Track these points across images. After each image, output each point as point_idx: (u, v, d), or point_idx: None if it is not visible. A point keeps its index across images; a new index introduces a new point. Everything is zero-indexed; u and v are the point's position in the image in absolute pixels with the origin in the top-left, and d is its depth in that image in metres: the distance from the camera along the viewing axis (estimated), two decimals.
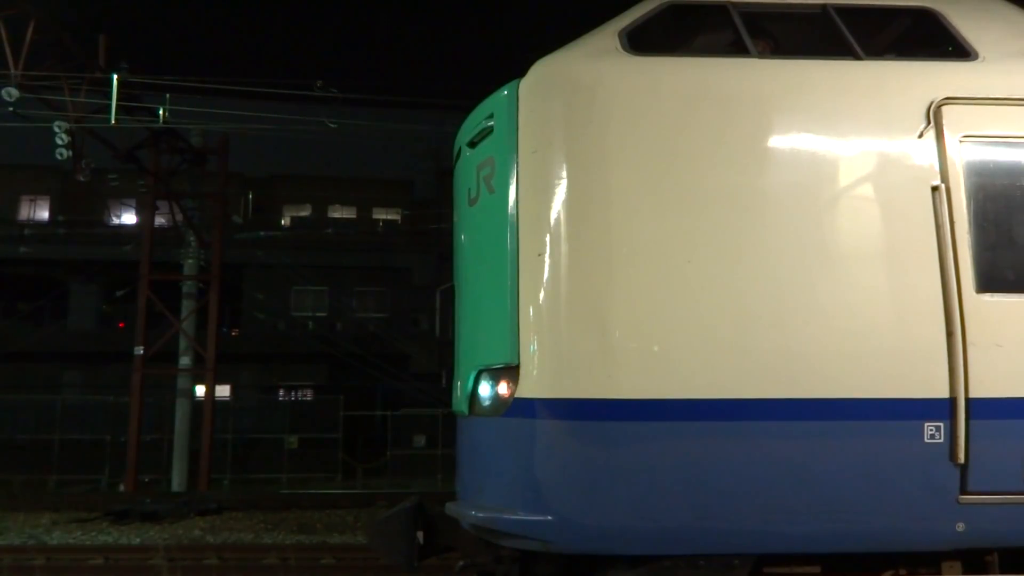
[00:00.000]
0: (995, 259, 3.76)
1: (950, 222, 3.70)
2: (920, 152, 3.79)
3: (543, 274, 3.77)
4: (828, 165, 3.80)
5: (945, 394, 3.59)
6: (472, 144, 4.32)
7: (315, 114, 15.35)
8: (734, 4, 4.22)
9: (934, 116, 3.80)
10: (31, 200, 30.67)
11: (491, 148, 4.13)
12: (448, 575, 4.71)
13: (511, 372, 3.80)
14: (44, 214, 30.71)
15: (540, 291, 3.77)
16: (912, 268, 3.69)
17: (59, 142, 13.63)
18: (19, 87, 12.63)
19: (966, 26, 4.15)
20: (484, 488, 4.07)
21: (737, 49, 4.13)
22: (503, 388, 3.85)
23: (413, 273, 28.99)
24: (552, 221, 3.79)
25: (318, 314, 28.71)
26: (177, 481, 17.38)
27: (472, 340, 4.31)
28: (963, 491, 3.56)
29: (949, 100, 3.82)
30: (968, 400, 3.56)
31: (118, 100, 14.00)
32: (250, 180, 29.37)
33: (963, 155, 3.78)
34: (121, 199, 27.79)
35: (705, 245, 3.71)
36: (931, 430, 3.58)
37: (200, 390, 18.88)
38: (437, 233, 24.88)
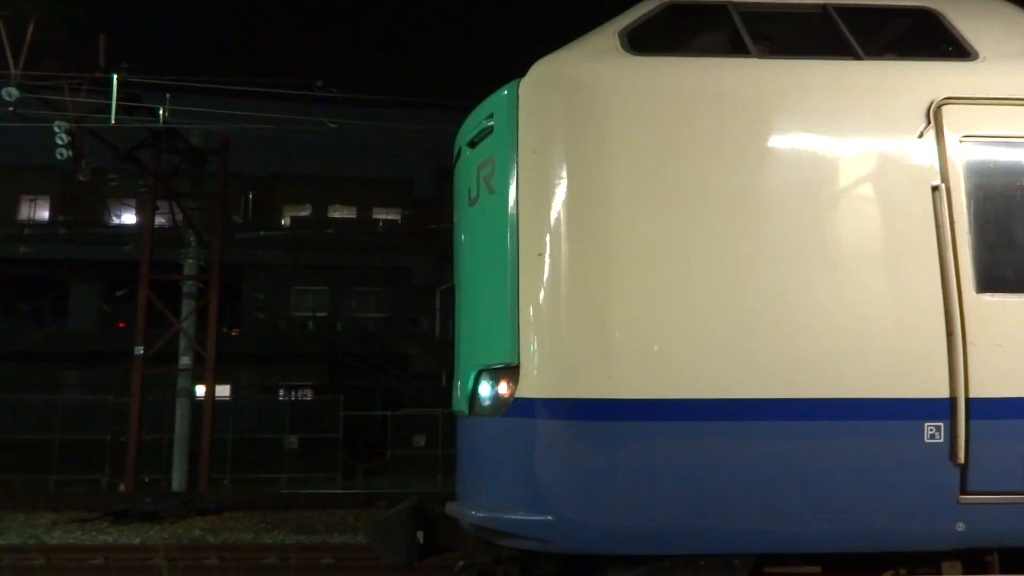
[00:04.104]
0: (995, 259, 3.76)
1: (950, 222, 3.70)
2: (920, 152, 3.79)
3: (543, 274, 3.77)
4: (828, 165, 3.81)
5: (945, 394, 3.59)
6: (472, 144, 4.32)
7: (315, 114, 15.35)
8: (734, 4, 4.22)
9: (934, 116, 3.80)
10: (31, 200, 30.66)
11: (491, 148, 4.13)
12: (448, 575, 4.71)
13: (511, 372, 3.80)
14: (44, 214, 30.71)
15: (540, 291, 3.77)
16: (912, 268, 3.69)
17: (59, 142, 13.62)
18: (19, 87, 12.61)
19: (966, 26, 4.15)
20: (484, 488, 4.07)
21: (737, 49, 4.13)
22: (503, 388, 3.86)
23: (413, 273, 28.99)
24: (552, 221, 3.80)
25: (318, 314, 28.70)
26: (177, 481, 17.38)
27: (472, 340, 4.31)
28: (963, 491, 3.56)
29: (949, 100, 3.82)
30: (968, 400, 3.56)
31: (118, 100, 13.99)
32: (250, 180, 29.38)
33: (963, 155, 3.78)
34: (121, 199, 27.77)
35: (705, 245, 3.71)
36: (931, 430, 3.58)
37: (200, 390, 18.88)
38: (437, 233, 24.86)
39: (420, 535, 4.33)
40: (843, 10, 4.23)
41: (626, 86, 3.91)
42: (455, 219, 4.65)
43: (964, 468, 3.56)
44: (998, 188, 3.83)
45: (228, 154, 18.21)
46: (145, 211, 18.48)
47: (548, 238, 3.79)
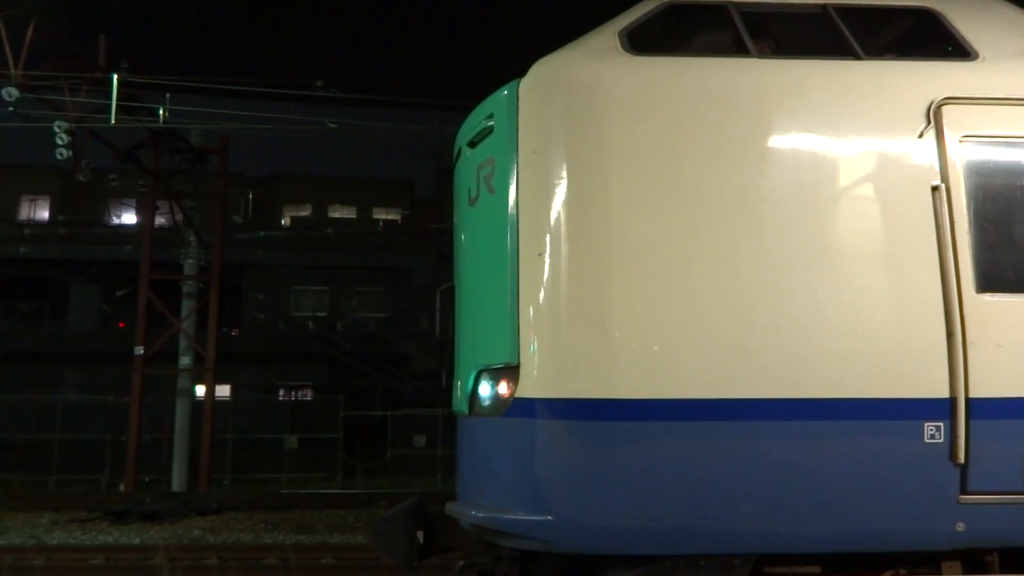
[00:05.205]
0: (995, 259, 3.76)
1: (950, 222, 3.70)
2: (920, 152, 3.79)
3: (543, 274, 3.77)
4: (828, 165, 3.80)
5: (945, 394, 3.59)
6: (472, 144, 4.32)
7: (315, 114, 15.36)
8: (734, 4, 4.22)
9: (934, 116, 3.80)
10: (31, 200, 30.64)
11: (491, 148, 4.13)
12: (448, 575, 4.71)
13: (511, 372, 3.80)
14: (44, 214, 30.69)
15: (540, 291, 3.77)
16: (912, 268, 3.69)
17: (59, 142, 13.63)
18: (19, 87, 12.62)
19: (966, 26, 4.15)
20: (484, 488, 4.07)
21: (737, 49, 4.13)
22: (503, 388, 3.85)
23: (413, 273, 28.97)
24: (552, 221, 3.79)
25: (318, 314, 28.69)
26: (177, 481, 17.38)
27: (472, 340, 4.31)
28: (963, 491, 3.56)
29: (949, 100, 3.82)
30: (968, 400, 3.56)
31: (118, 100, 13.99)
32: (250, 180, 29.37)
33: (963, 155, 3.78)
34: (121, 199, 27.75)
35: (705, 245, 3.71)
36: (931, 430, 3.58)
37: (200, 390, 18.88)
38: (437, 233, 24.86)
39: (420, 535, 4.33)
40: (843, 10, 4.23)
41: (626, 86, 3.91)
42: (455, 219, 4.65)
43: (964, 468, 3.56)
44: (998, 188, 3.83)
45: (228, 154, 18.21)
46: (145, 211, 18.47)
47: (548, 238, 3.79)
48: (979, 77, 3.92)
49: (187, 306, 18.15)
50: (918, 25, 4.38)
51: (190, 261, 18.28)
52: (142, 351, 17.10)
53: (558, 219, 3.79)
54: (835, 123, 3.84)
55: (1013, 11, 4.36)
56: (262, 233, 25.57)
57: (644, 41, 4.07)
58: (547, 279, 3.76)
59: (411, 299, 28.17)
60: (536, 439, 3.72)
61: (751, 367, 3.61)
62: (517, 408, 3.76)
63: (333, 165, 28.61)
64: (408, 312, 28.24)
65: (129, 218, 29.64)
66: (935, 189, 3.74)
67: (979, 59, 4.02)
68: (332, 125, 15.12)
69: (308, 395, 26.31)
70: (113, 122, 14.18)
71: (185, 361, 17.98)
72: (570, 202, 3.79)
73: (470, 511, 4.00)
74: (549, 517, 3.63)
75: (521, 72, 4.08)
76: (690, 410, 3.60)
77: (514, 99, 4.02)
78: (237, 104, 15.39)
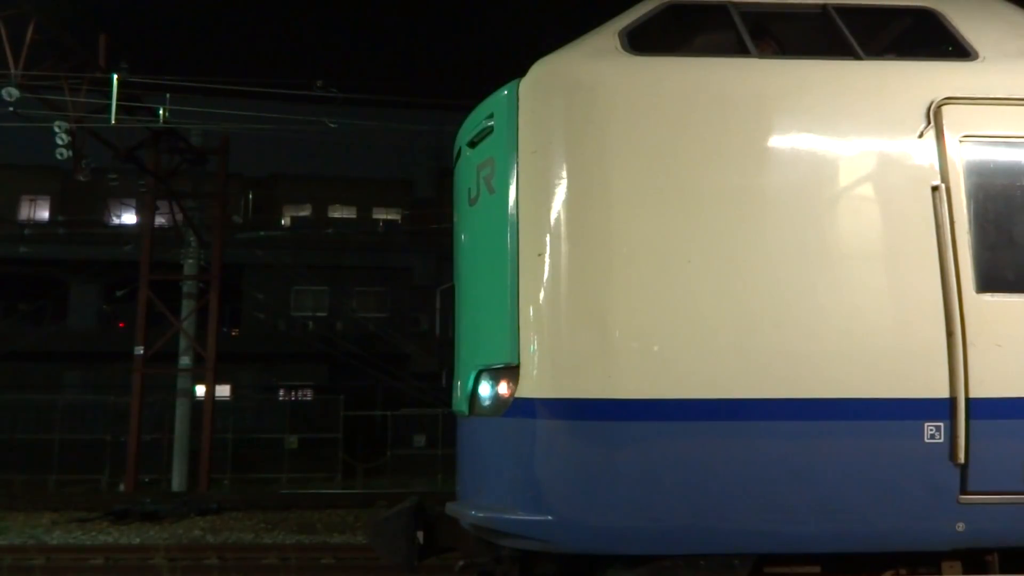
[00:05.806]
0: (995, 259, 3.76)
1: (950, 222, 3.70)
2: (920, 152, 3.79)
3: (543, 274, 3.77)
4: (828, 165, 3.81)
5: (945, 394, 3.59)
6: (472, 144, 4.32)
7: (315, 114, 15.37)
8: (734, 4, 4.22)
9: (934, 116, 3.80)
10: (31, 200, 30.64)
11: (491, 148, 4.13)
12: (448, 575, 4.71)
13: (511, 372, 3.80)
14: (44, 214, 30.69)
15: (540, 291, 3.77)
16: (912, 268, 3.69)
17: (59, 142, 13.61)
18: (19, 87, 12.62)
19: (966, 26, 4.16)
20: (484, 488, 4.07)
21: (737, 49, 4.13)
22: (503, 388, 3.86)
23: (413, 273, 28.98)
24: (552, 221, 3.80)
25: (318, 314, 28.69)
26: (177, 481, 17.39)
27: (472, 340, 4.31)
28: (963, 491, 3.56)
29: (949, 100, 3.82)
30: (968, 400, 3.56)
31: (118, 100, 13.99)
32: (250, 180, 29.37)
33: (963, 155, 3.78)
34: (121, 199, 27.75)
35: (705, 245, 3.71)
36: (931, 430, 3.58)
37: (200, 390, 18.88)
38: (437, 233, 24.87)
39: (420, 535, 4.33)
40: (843, 10, 4.23)
41: (626, 86, 3.91)
42: (455, 219, 4.65)
43: (964, 468, 3.56)
44: (998, 188, 3.83)
45: (228, 154, 18.21)
46: (145, 211, 18.47)
47: (548, 238, 3.79)
48: (979, 77, 3.92)
49: (187, 306, 18.16)
50: (918, 25, 4.38)
51: (190, 261, 18.28)
52: (142, 351, 17.10)
53: (558, 219, 3.79)
54: (835, 123, 3.84)
55: (1013, 11, 4.36)
56: (262, 233, 25.58)
57: (644, 41, 4.07)
58: (547, 279, 3.76)
59: (411, 299, 28.16)
60: (536, 439, 3.72)
61: (751, 367, 3.61)
62: (517, 408, 3.76)
63: (333, 165, 28.62)
64: (408, 312, 28.23)
65: (129, 218, 29.64)
66: (935, 189, 3.74)
67: (979, 59, 4.02)
68: (332, 125, 15.13)
69: (308, 395, 26.30)
70: (113, 122, 14.18)
71: (185, 361, 17.98)
72: (570, 202, 3.79)
73: (470, 511, 4.00)
74: (549, 517, 3.63)
75: (521, 72, 4.08)
76: (690, 410, 3.60)
77: (514, 99, 4.02)
78: (237, 104, 15.39)
